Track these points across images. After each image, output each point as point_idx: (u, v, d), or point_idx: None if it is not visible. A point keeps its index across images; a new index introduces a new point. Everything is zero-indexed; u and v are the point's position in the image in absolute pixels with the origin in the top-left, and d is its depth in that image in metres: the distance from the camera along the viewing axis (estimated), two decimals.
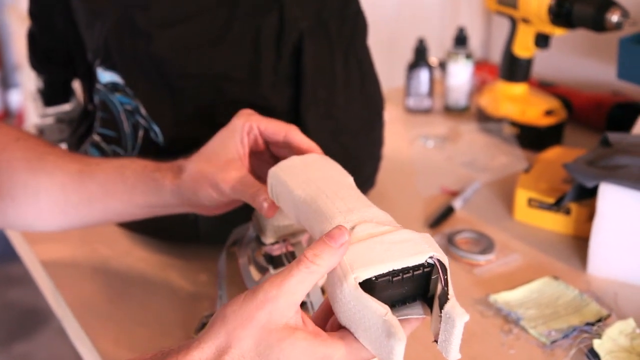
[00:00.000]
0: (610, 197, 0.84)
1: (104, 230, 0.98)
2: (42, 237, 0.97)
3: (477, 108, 1.32)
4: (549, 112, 1.23)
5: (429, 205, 1.05)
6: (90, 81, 0.96)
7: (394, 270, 0.53)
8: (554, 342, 0.76)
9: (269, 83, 0.85)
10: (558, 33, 1.17)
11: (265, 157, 0.78)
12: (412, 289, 0.55)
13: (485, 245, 0.93)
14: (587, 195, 0.92)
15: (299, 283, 0.52)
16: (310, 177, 0.64)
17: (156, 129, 0.88)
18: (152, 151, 0.88)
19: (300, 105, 0.86)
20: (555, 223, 0.97)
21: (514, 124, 1.24)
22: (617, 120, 1.27)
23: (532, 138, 1.22)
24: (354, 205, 0.59)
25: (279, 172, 0.67)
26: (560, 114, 1.23)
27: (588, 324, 0.78)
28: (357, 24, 0.92)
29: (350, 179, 0.65)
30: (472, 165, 1.18)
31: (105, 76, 0.89)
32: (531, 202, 0.98)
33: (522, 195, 0.99)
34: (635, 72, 1.08)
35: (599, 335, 0.74)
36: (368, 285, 0.52)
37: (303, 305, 0.72)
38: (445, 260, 0.54)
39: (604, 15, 1.06)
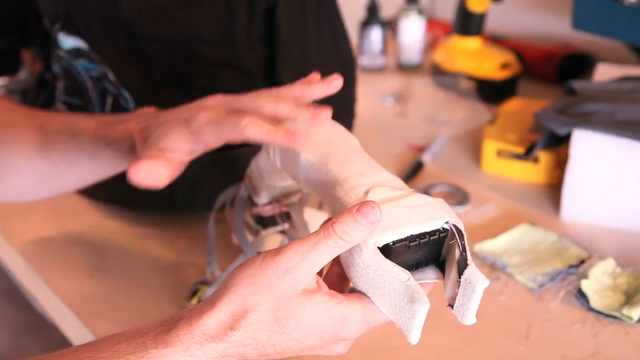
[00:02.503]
0: (583, 143, 0.86)
1: (71, 204, 0.95)
2: (6, 216, 0.93)
3: (432, 64, 1.33)
4: (504, 65, 1.25)
5: (398, 161, 1.06)
6: (47, 48, 0.92)
7: (411, 235, 0.52)
8: (541, 285, 0.77)
9: (243, 44, 0.83)
10: None
11: None
12: (426, 254, 0.55)
13: (461, 197, 0.94)
14: (555, 144, 0.94)
15: (323, 256, 0.51)
16: (318, 141, 0.63)
17: (126, 95, 0.85)
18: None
19: (275, 65, 0.85)
20: (524, 172, 0.99)
21: (470, 78, 1.25)
22: (568, 71, 1.31)
23: (488, 91, 1.24)
24: (365, 169, 0.58)
25: None
26: (515, 67, 1.25)
27: (571, 266, 0.80)
28: None
29: (356, 142, 0.64)
30: (433, 121, 1.19)
31: (68, 42, 0.85)
32: (500, 153, 1.00)
33: (490, 147, 1.01)
34: (590, 22, 1.10)
35: (585, 277, 0.77)
36: (385, 250, 0.52)
37: None
38: (461, 225, 0.54)
39: None
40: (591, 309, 0.74)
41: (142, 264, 0.84)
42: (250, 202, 0.75)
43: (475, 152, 1.07)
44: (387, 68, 1.41)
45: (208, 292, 0.74)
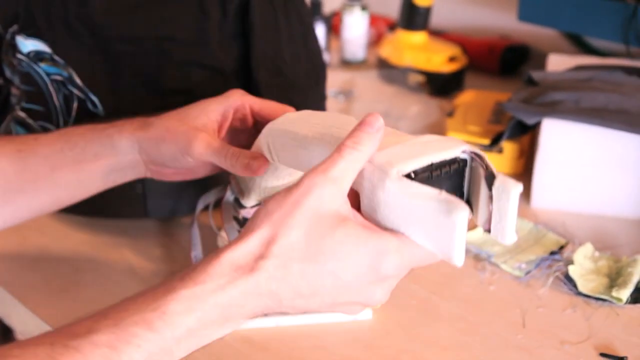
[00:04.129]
0: (552, 131, 0.89)
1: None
2: None
3: (378, 59, 1.34)
4: (452, 59, 1.26)
5: None
6: None
7: (432, 164, 0.52)
8: (527, 273, 0.79)
9: (216, 43, 0.81)
10: None
11: (242, 138, 0.73)
12: (449, 188, 0.54)
13: None
14: (520, 133, 0.96)
15: (343, 170, 0.50)
16: (312, 122, 0.62)
17: (94, 98, 0.81)
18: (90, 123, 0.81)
19: (250, 63, 0.83)
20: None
21: (419, 72, 1.26)
22: (509, 63, 1.34)
23: (437, 84, 1.26)
24: None
25: (277, 126, 0.64)
26: (461, 60, 1.28)
27: (553, 252, 0.82)
28: None
29: (353, 118, 0.63)
30: (388, 116, 1.19)
31: (27, 45, 0.81)
32: None
33: None
34: (537, 14, 1.14)
35: (571, 262, 0.79)
36: None
37: None
38: (478, 150, 0.53)
39: None
40: (580, 294, 0.76)
41: (121, 275, 0.81)
42: (237, 205, 0.73)
43: None
44: (330, 64, 1.40)
45: None
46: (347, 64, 1.40)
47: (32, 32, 0.80)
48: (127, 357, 0.47)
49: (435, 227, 0.49)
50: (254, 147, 0.68)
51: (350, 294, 0.51)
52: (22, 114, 0.83)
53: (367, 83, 1.32)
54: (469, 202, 0.55)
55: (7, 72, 0.87)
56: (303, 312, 0.56)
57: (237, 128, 0.72)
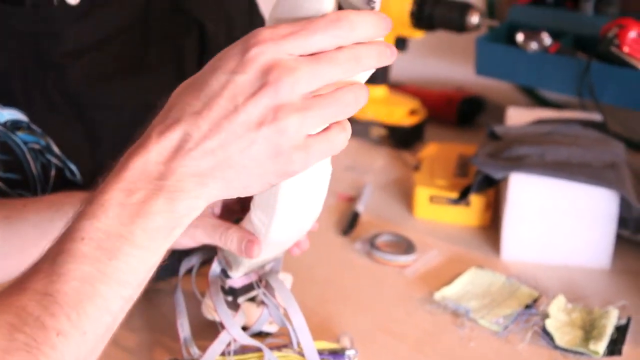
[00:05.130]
0: (520, 185, 0.92)
1: None
2: None
3: None
4: (412, 112, 1.30)
5: (333, 213, 1.07)
6: None
7: None
8: (505, 328, 0.81)
9: None
10: (417, 36, 1.24)
11: (235, 207, 0.75)
12: None
13: (406, 245, 0.97)
14: (486, 187, 1.00)
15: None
16: None
17: (72, 167, 0.81)
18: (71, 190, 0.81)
19: None
20: (457, 216, 1.03)
21: (381, 125, 1.29)
22: (465, 113, 1.38)
23: (399, 137, 1.29)
24: None
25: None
26: (421, 113, 1.31)
27: (527, 306, 0.84)
28: None
29: None
30: (354, 169, 1.21)
31: (4, 114, 0.80)
32: (433, 199, 1.04)
33: (422, 193, 1.04)
34: (494, 68, 1.18)
35: (547, 316, 0.81)
36: None
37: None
38: None
39: (464, 18, 1.15)
40: (557, 347, 0.78)
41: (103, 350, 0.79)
42: (224, 275, 0.74)
43: (403, 198, 1.10)
44: None
45: None
46: None
47: (8, 102, 0.79)
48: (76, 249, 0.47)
49: None
50: (245, 221, 0.69)
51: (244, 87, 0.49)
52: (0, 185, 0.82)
53: None
54: None
55: None
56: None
57: (227, 203, 0.74)
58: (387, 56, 0.51)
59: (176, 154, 0.48)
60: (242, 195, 0.52)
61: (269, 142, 0.48)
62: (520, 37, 1.10)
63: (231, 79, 0.48)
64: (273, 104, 0.48)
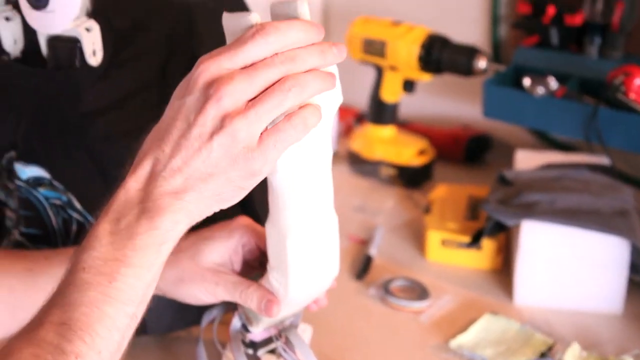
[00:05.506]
0: (532, 233, 0.93)
1: None
2: None
3: (349, 152, 1.38)
4: (421, 152, 1.32)
5: (344, 255, 1.07)
6: None
7: None
8: None
9: None
10: (425, 79, 1.26)
11: (255, 264, 0.77)
12: None
13: (420, 291, 0.98)
14: (498, 231, 1.01)
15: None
16: None
17: (94, 221, 0.82)
18: None
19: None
20: (469, 259, 1.05)
21: (390, 165, 1.31)
22: (473, 152, 1.40)
23: (408, 177, 1.30)
24: None
25: None
26: (430, 152, 1.33)
27: (543, 354, 0.85)
28: None
29: None
30: (364, 210, 1.23)
31: (26, 172, 0.82)
32: (445, 243, 1.05)
33: (434, 237, 1.06)
34: (501, 111, 1.20)
35: None
36: None
37: None
38: None
39: (472, 62, 1.17)
40: None
41: None
42: (245, 330, 0.75)
43: (414, 240, 1.12)
44: None
45: None
46: None
47: (31, 160, 0.81)
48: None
49: None
50: (264, 280, 0.70)
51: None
52: (20, 238, 0.84)
53: (340, 176, 1.36)
54: None
55: (1, 195, 0.88)
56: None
57: (248, 260, 0.75)
58: (333, 54, 0.56)
59: (150, 179, 0.55)
60: (222, 207, 0.57)
61: (224, 148, 0.54)
62: (527, 81, 1.12)
63: (182, 102, 0.55)
64: (219, 114, 0.53)
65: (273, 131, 0.55)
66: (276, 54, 0.54)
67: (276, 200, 0.65)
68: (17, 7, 0.79)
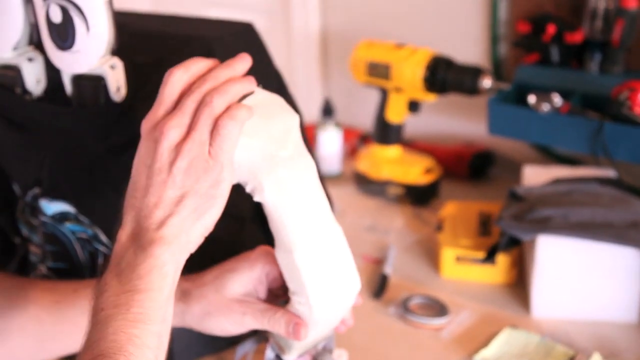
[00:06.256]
0: (547, 247, 0.95)
1: None
2: None
3: (355, 173, 1.40)
4: (428, 170, 1.34)
5: (360, 276, 1.09)
6: (11, 213, 0.89)
7: None
8: None
9: (234, 189, 0.85)
10: (430, 99, 1.28)
11: (279, 292, 0.78)
12: None
13: (439, 308, 1.00)
14: (512, 246, 1.03)
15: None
16: None
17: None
18: None
19: None
20: (484, 274, 1.07)
21: (398, 184, 1.33)
22: (476, 168, 1.42)
23: (416, 195, 1.32)
24: None
25: None
26: (436, 170, 1.35)
27: None
28: None
29: None
30: (375, 230, 1.25)
31: (52, 207, 0.83)
32: (459, 259, 1.07)
33: (448, 254, 1.08)
34: (506, 128, 1.22)
35: None
36: None
37: None
38: None
39: (477, 82, 1.19)
40: None
41: None
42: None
43: (427, 257, 1.14)
44: None
45: None
46: (323, 178, 1.45)
47: (56, 195, 0.82)
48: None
49: None
50: (290, 306, 0.72)
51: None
52: (48, 273, 0.85)
53: (347, 197, 1.38)
54: None
55: (25, 231, 0.89)
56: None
57: (272, 288, 0.77)
58: (239, 62, 0.68)
59: (136, 225, 0.62)
60: (206, 223, 0.64)
61: (185, 170, 0.63)
62: (532, 98, 1.14)
63: (138, 157, 0.66)
64: (171, 146, 0.63)
65: (215, 138, 0.63)
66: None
67: (275, 222, 0.69)
68: (39, 47, 0.81)
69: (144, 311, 0.58)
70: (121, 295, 0.59)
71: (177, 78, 0.66)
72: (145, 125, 0.65)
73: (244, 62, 0.69)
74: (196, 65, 0.67)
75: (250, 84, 0.68)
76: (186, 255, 0.64)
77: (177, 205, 0.62)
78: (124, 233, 0.62)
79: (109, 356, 0.56)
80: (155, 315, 0.59)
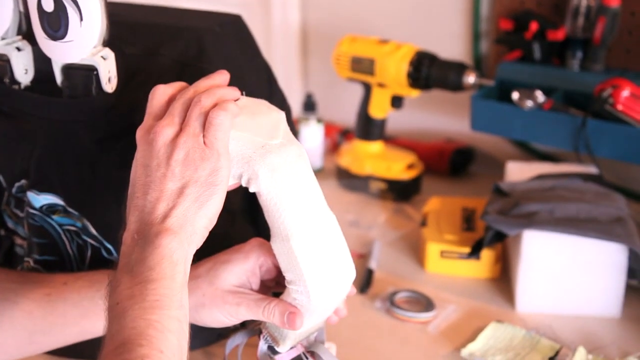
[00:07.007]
0: (533, 242, 0.96)
1: None
2: None
3: (338, 168, 1.40)
4: (410, 166, 1.34)
5: None
6: None
7: None
8: None
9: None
10: (414, 95, 1.29)
11: (272, 284, 0.78)
12: None
13: (425, 303, 1.00)
14: (496, 241, 1.04)
15: None
16: None
17: (109, 246, 0.83)
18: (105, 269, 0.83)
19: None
20: (468, 269, 1.07)
21: (380, 179, 1.33)
22: (457, 164, 1.43)
23: (398, 191, 1.33)
24: None
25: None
26: (418, 166, 1.36)
27: (551, 358, 0.88)
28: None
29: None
30: (358, 225, 1.25)
31: (40, 200, 0.82)
32: (444, 254, 1.08)
33: (433, 249, 1.08)
34: (489, 125, 1.24)
35: None
36: None
37: None
38: None
39: (461, 78, 1.20)
40: None
41: None
42: (271, 352, 0.76)
43: (411, 252, 1.14)
44: None
45: None
46: None
47: (44, 188, 0.81)
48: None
49: None
50: (285, 295, 0.72)
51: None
52: (35, 266, 0.84)
53: (329, 192, 1.36)
54: None
55: (10, 223, 0.88)
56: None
57: (265, 280, 0.77)
58: (219, 75, 0.72)
59: (140, 222, 0.63)
60: (208, 213, 0.65)
61: (182, 161, 0.64)
62: (515, 95, 1.16)
63: (135, 161, 0.67)
64: (167, 142, 0.65)
65: (208, 129, 0.65)
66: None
67: (270, 211, 0.69)
68: (27, 37, 0.80)
69: (159, 298, 0.59)
70: (134, 287, 0.59)
71: (162, 91, 0.69)
72: (139, 132, 0.67)
73: (222, 75, 0.71)
74: (178, 83, 0.71)
75: (234, 91, 0.70)
76: (194, 248, 0.64)
77: (179, 197, 0.63)
78: (129, 234, 0.63)
79: (131, 342, 0.56)
80: (171, 302, 0.60)
